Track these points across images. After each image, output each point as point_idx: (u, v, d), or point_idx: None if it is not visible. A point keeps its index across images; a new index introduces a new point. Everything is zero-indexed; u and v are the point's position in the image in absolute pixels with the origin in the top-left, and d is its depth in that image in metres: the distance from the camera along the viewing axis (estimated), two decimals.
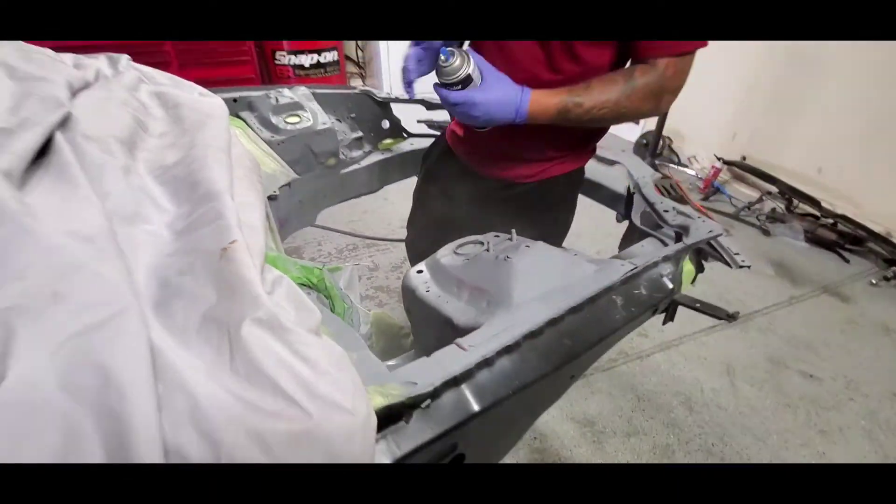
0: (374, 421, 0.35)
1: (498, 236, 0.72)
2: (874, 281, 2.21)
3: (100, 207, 0.42)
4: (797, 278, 2.24)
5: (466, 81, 0.75)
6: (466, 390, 0.44)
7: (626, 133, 3.84)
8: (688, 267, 0.91)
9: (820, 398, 1.63)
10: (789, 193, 2.66)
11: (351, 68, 3.98)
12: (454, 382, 0.43)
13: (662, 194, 2.75)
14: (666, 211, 0.94)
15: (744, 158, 3.00)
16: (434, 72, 0.78)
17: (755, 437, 1.48)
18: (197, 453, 0.30)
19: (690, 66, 0.82)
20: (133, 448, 0.27)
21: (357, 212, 2.59)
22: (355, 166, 1.64)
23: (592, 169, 1.19)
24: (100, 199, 0.45)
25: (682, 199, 2.80)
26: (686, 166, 3.30)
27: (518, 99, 0.77)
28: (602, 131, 0.98)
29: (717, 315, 0.90)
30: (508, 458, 1.42)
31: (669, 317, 0.96)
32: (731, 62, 2.96)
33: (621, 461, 1.41)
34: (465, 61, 0.72)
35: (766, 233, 2.58)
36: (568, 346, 0.51)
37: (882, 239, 2.34)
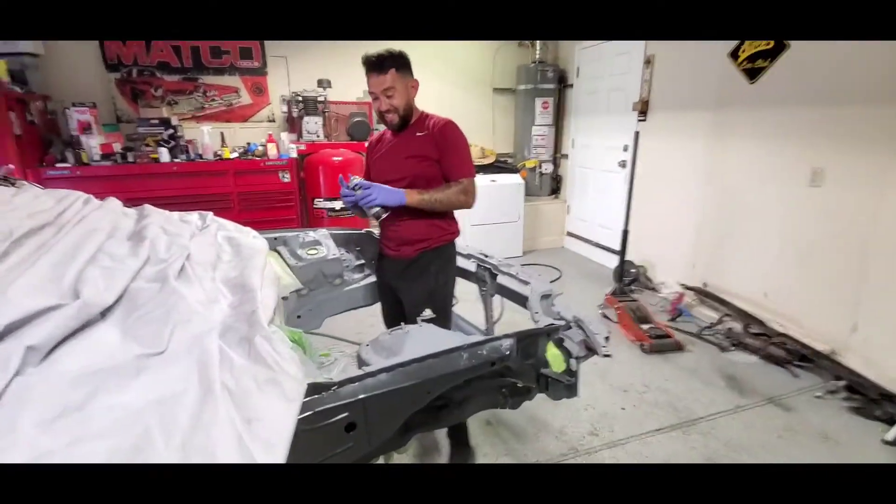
0: (304, 385, 0.81)
1: (411, 324, 1.21)
2: (819, 394, 2.44)
3: (203, 295, 0.95)
4: (745, 390, 2.49)
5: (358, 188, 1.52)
6: (358, 385, 0.88)
7: (608, 262, 4.38)
8: (553, 351, 1.33)
9: None
10: (739, 316, 3.02)
11: None
12: (351, 381, 0.88)
13: (629, 313, 3.23)
14: (536, 312, 1.39)
15: (705, 285, 3.43)
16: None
17: None
18: (230, 383, 0.76)
19: (475, 181, 1.68)
20: (213, 378, 0.75)
21: (364, 325, 3.09)
22: (355, 285, 2.20)
23: (514, 284, 1.69)
24: (203, 292, 0.98)
25: (646, 319, 3.25)
26: (658, 291, 3.73)
27: (400, 193, 1.57)
28: (444, 227, 1.74)
29: (562, 381, 1.30)
30: None
31: (543, 387, 1.35)
32: (681, 205, 3.58)
33: None
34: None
35: (723, 349, 2.89)
36: (424, 373, 0.95)
37: (824, 357, 2.61)
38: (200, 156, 3.93)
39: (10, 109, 3.27)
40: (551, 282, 4.27)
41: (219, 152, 3.94)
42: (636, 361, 2.79)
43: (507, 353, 1.11)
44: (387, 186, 1.57)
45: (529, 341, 1.25)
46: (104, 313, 0.79)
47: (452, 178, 1.65)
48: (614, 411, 2.32)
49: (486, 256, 1.92)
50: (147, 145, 3.80)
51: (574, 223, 5.10)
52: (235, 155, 3.97)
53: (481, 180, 4.52)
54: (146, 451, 0.62)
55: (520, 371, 1.30)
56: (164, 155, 3.73)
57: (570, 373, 1.35)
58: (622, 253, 3.49)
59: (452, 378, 1.01)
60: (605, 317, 3.35)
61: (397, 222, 1.70)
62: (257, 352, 0.81)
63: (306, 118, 4.13)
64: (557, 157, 5.19)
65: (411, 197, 1.58)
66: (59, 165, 3.52)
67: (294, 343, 1.05)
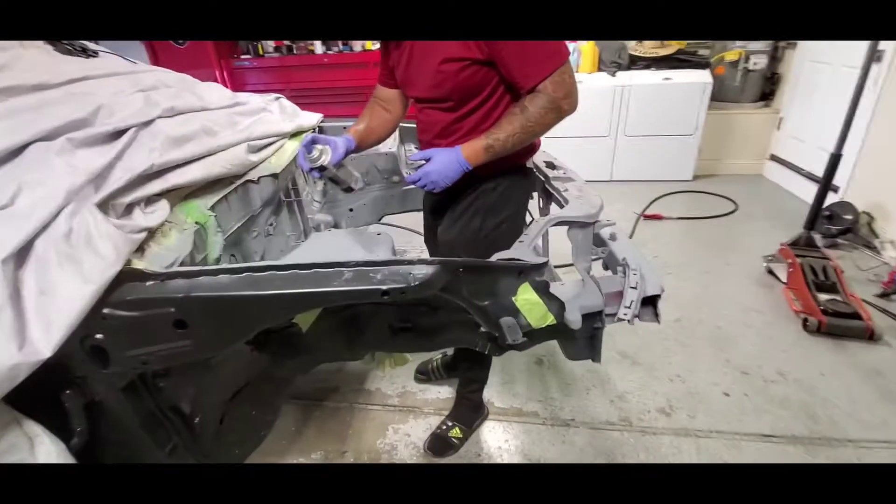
0: (114, 268, 0.74)
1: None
2: None
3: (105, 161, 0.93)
4: None
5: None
6: (185, 282, 0.77)
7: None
8: (528, 296, 0.97)
9: None
10: None
11: None
12: (182, 276, 0.77)
13: (806, 274, 2.41)
14: (525, 242, 1.02)
15: None
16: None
17: None
18: (40, 252, 0.73)
19: (569, 72, 1.02)
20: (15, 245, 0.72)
21: None
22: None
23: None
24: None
25: (832, 287, 2.36)
26: (879, 252, 2.54)
27: (456, 157, 1.07)
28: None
29: (513, 340, 0.96)
30: None
31: (502, 341, 1.02)
32: None
33: None
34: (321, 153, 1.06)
35: None
36: (276, 285, 0.78)
37: None
38: (351, 48, 4.05)
39: None
40: (721, 216, 3.30)
41: (363, 44, 3.98)
42: (787, 339, 2.02)
43: (415, 283, 0.83)
44: (440, 156, 1.07)
45: (482, 277, 0.93)
46: None
47: (524, 84, 1.02)
48: (711, 393, 1.75)
49: (553, 167, 1.49)
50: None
51: (784, 144, 3.74)
52: (377, 46, 3.96)
53: (649, 77, 3.60)
54: None
55: (473, 311, 1.00)
56: (318, 46, 3.95)
57: (555, 330, 1.00)
58: (824, 186, 2.41)
59: (320, 299, 0.81)
60: (770, 273, 2.47)
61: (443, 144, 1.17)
62: (74, 226, 0.75)
63: None
64: (780, 46, 3.71)
65: (475, 155, 1.07)
66: (243, 57, 4.08)
67: (197, 225, 0.99)
